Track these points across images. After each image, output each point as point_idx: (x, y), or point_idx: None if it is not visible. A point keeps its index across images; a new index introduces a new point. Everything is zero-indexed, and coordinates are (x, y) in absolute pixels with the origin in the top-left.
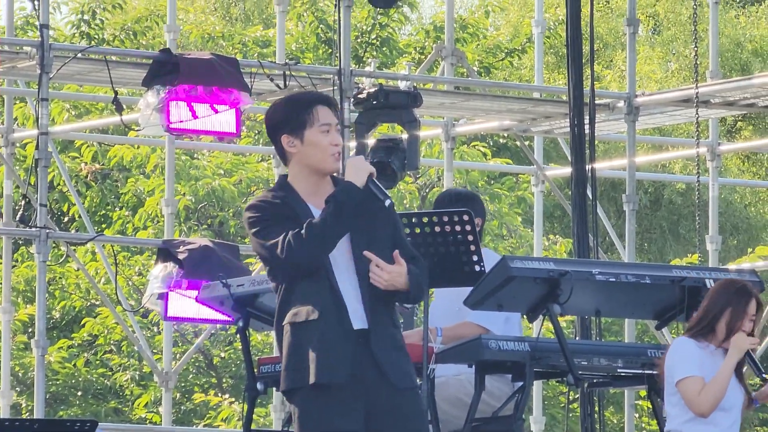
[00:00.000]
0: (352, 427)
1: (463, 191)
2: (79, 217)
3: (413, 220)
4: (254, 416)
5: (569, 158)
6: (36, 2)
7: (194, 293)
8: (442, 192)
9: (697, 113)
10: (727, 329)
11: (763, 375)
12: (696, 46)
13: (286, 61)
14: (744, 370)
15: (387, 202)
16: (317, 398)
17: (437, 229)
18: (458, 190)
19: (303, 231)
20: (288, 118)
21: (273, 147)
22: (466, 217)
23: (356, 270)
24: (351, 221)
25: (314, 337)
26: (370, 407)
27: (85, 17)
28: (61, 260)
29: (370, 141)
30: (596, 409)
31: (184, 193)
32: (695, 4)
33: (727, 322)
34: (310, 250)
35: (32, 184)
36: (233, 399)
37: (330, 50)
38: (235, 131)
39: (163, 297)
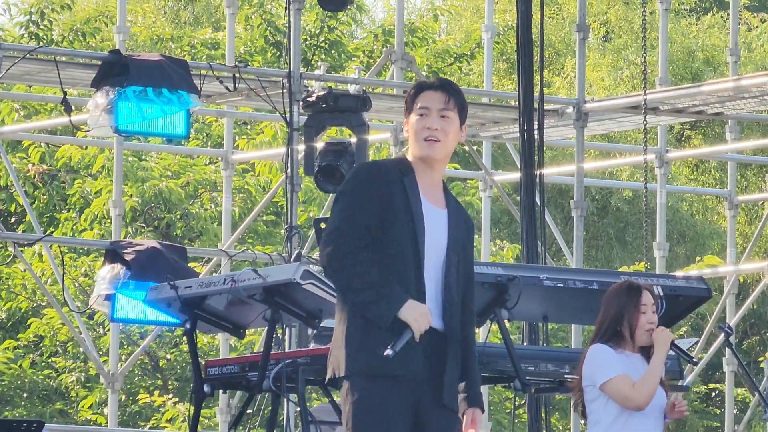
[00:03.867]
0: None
1: None
2: (27, 218)
3: None
4: (200, 418)
5: (517, 164)
6: None
7: (142, 294)
8: None
9: (645, 120)
10: (630, 330)
11: (694, 360)
12: (645, 53)
13: (236, 63)
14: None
15: (387, 351)
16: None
17: None
18: None
19: (352, 271)
20: (405, 104)
21: (220, 150)
22: None
23: (444, 276)
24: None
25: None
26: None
27: (34, 18)
28: (7, 260)
29: (319, 144)
30: (542, 415)
31: (131, 195)
32: (644, 11)
33: (628, 323)
34: (336, 280)
35: None
36: (177, 399)
37: (278, 53)
38: (183, 133)
39: (110, 298)
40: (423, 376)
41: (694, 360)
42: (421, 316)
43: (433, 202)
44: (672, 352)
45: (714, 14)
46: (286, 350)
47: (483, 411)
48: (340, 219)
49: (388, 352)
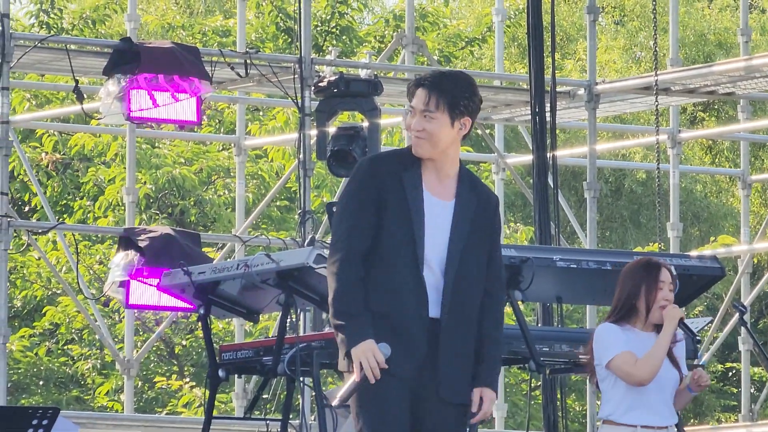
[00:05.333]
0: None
1: None
2: (41, 207)
3: None
4: (216, 403)
5: (530, 146)
6: None
7: (155, 281)
8: None
9: (656, 100)
10: (646, 305)
11: (697, 338)
12: (656, 31)
13: (247, 49)
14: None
15: (334, 403)
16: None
17: None
18: None
19: (341, 282)
20: None
21: (233, 136)
22: None
23: (445, 268)
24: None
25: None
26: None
27: (44, 6)
28: (22, 249)
29: (331, 129)
30: (558, 396)
31: (145, 182)
32: None
33: (645, 298)
34: (329, 277)
35: None
36: (194, 383)
37: (289, 39)
38: (195, 119)
39: (125, 285)
40: (422, 370)
41: (698, 338)
42: (363, 354)
43: (437, 194)
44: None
45: None
46: (300, 334)
47: (494, 391)
48: (346, 221)
49: (335, 402)
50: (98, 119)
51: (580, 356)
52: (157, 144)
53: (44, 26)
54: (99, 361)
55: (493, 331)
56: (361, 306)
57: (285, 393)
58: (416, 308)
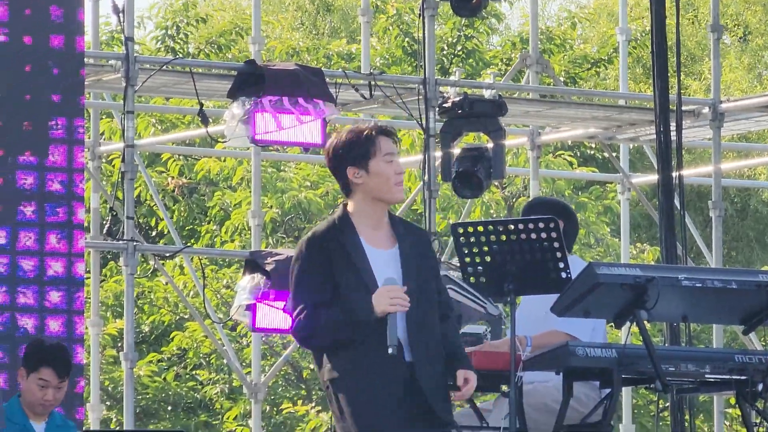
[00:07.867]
0: None
1: (554, 199)
2: (168, 232)
3: (499, 228)
4: None
5: (655, 166)
6: (121, 15)
7: (282, 304)
8: (530, 200)
9: None
10: None
11: None
12: None
13: (371, 71)
14: None
15: (390, 350)
16: None
17: (523, 236)
18: (548, 198)
19: (318, 320)
20: (352, 150)
21: None
22: (551, 224)
23: (405, 313)
24: (359, 331)
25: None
26: None
27: (170, 32)
28: (149, 273)
29: (456, 150)
30: (687, 417)
31: (271, 206)
32: None
33: None
34: (314, 340)
35: (119, 198)
36: (320, 408)
37: (415, 62)
38: (320, 142)
39: (251, 308)
40: (409, 411)
41: None
42: (388, 296)
43: (379, 245)
44: None
45: None
46: None
47: (474, 372)
48: (301, 300)
49: (390, 351)
50: (223, 142)
51: (708, 376)
52: (282, 167)
53: (170, 51)
54: (227, 386)
55: (457, 340)
56: (339, 310)
57: None
58: (389, 356)
